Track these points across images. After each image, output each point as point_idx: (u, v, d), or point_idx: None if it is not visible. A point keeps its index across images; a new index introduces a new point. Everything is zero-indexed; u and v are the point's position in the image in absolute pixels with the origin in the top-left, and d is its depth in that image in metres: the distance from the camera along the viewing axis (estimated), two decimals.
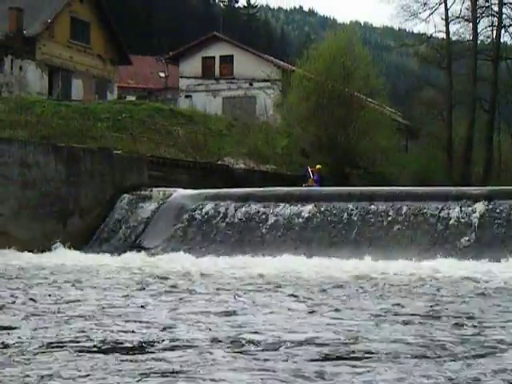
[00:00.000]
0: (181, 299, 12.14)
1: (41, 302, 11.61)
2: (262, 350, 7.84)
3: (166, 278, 15.84)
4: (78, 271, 17.69)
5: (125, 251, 22.86)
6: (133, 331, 8.91)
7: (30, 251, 22.08)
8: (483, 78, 49.26)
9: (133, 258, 21.17)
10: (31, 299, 11.93)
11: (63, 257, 21.62)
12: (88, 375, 6.70)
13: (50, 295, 12.57)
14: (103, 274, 16.99)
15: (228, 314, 10.50)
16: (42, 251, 22.44)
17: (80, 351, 7.73)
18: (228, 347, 7.95)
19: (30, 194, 24.29)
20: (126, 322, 9.71)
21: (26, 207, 23.96)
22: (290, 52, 76.83)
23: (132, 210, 25.63)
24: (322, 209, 22.40)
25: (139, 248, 23.40)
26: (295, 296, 12.74)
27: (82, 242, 24.32)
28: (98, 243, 24.59)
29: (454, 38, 50.23)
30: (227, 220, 23.39)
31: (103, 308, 11.02)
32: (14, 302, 11.62)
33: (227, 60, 52.87)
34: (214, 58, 53.29)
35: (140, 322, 9.68)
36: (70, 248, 23.21)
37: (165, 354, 7.61)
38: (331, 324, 9.60)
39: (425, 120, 52.83)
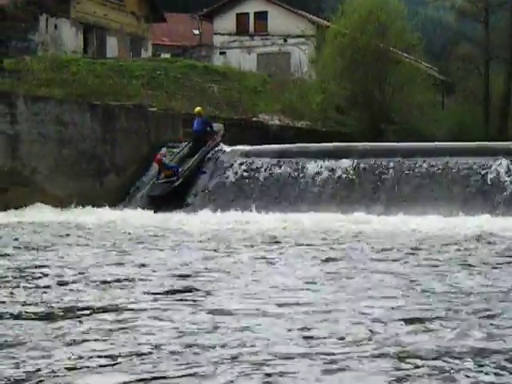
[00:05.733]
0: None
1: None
2: None
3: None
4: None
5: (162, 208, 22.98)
6: None
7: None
8: None
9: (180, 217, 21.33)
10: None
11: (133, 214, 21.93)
12: None
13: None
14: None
15: None
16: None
17: None
18: None
19: (67, 152, 24.44)
20: None
21: (63, 165, 24.11)
22: (325, 7, 76.01)
23: None
24: (358, 165, 22.33)
25: (179, 205, 23.48)
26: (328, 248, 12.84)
27: (118, 199, 24.47)
28: (134, 200, 24.66)
29: None
30: (263, 176, 23.39)
31: None
32: None
33: (261, 16, 52.44)
34: (248, 14, 52.89)
35: None
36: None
37: None
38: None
39: (461, 75, 52.23)
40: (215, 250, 13.17)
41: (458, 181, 20.64)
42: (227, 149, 25.32)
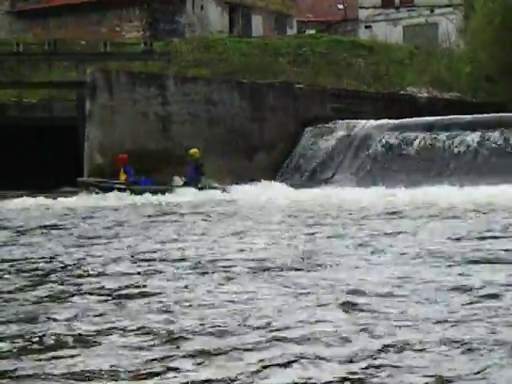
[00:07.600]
0: None
1: None
2: None
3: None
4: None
5: (315, 185, 22.91)
6: None
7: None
8: None
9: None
10: None
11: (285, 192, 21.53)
12: None
13: None
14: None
15: None
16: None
17: None
18: None
19: (217, 130, 24.84)
20: None
21: (213, 144, 24.49)
22: None
23: (316, 144, 25.68)
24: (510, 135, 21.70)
25: (327, 182, 23.49)
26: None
27: (268, 176, 24.62)
28: (285, 178, 24.72)
29: None
30: (413, 150, 23.07)
31: None
32: None
33: None
34: None
35: None
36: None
37: None
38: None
39: None
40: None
41: None
42: (374, 123, 25.12)
